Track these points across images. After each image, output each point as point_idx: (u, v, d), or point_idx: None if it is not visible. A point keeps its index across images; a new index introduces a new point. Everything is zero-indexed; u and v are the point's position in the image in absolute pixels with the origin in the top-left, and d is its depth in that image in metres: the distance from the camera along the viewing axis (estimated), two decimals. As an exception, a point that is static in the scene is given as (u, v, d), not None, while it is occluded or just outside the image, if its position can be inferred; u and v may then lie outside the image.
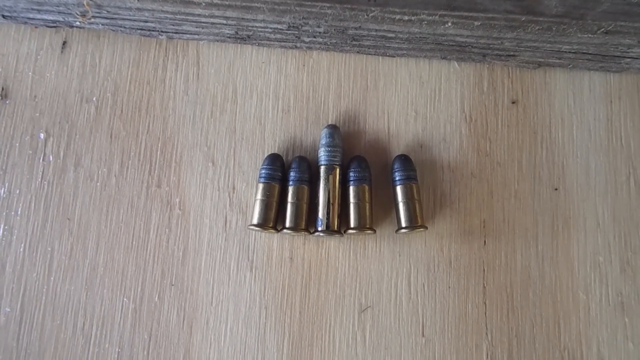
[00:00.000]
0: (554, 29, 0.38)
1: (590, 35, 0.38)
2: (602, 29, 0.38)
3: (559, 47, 0.40)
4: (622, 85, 0.44)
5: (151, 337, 0.41)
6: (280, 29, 0.41)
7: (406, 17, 0.38)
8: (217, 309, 0.41)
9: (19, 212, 0.42)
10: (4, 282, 0.41)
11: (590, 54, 0.41)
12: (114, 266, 0.42)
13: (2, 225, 0.42)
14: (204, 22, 0.41)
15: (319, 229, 0.40)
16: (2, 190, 0.43)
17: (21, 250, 0.42)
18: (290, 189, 0.41)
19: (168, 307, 0.41)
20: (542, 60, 0.42)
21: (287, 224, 0.41)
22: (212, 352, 0.40)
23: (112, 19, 0.41)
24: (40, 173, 0.43)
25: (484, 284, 0.42)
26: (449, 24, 0.38)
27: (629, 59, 0.41)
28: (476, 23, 0.38)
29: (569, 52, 0.41)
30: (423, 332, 0.41)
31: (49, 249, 0.42)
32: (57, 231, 0.42)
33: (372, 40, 0.41)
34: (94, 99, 0.44)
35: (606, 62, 0.42)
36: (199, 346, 0.41)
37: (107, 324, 0.41)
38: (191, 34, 0.43)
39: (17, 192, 0.43)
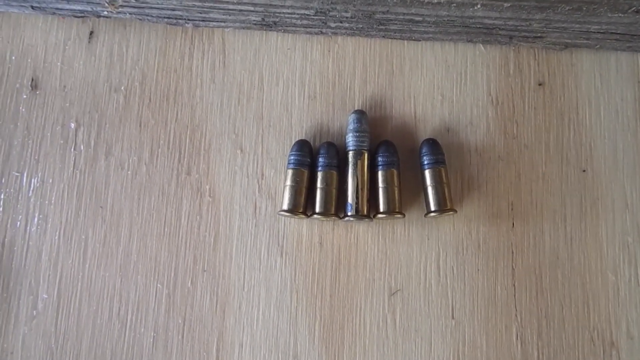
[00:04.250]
0: (584, 8, 0.38)
1: (620, 15, 0.38)
2: (634, 8, 0.37)
3: (587, 27, 0.40)
4: (650, 65, 0.44)
5: (185, 322, 0.41)
6: (307, 15, 0.41)
7: (435, 0, 0.38)
8: (249, 293, 0.42)
9: (52, 201, 0.43)
10: (41, 269, 0.42)
11: (618, 33, 0.41)
12: (147, 253, 0.42)
13: (37, 214, 0.43)
14: (231, 10, 0.41)
15: (349, 213, 0.41)
16: (36, 180, 0.43)
17: (56, 238, 0.43)
18: (319, 175, 0.41)
19: (201, 292, 0.42)
20: (569, 41, 0.42)
21: (317, 209, 0.41)
22: (245, 335, 0.41)
23: (139, 7, 0.41)
24: (72, 162, 0.44)
25: (512, 266, 0.42)
26: (478, 6, 0.38)
27: (658, 38, 0.41)
28: (506, 4, 0.38)
29: (597, 32, 0.41)
30: (453, 315, 0.41)
31: (83, 236, 0.43)
32: (90, 219, 0.43)
33: (399, 24, 0.41)
34: (122, 88, 0.45)
35: (634, 42, 0.42)
36: (232, 330, 0.41)
37: (142, 309, 0.42)
38: (218, 21, 0.43)
39: (50, 181, 0.43)
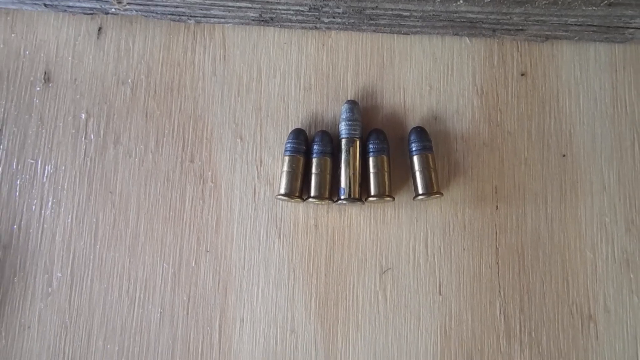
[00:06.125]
0: (559, 2, 0.40)
1: (594, 8, 0.41)
2: (605, 1, 0.40)
3: (565, 20, 0.43)
4: (626, 55, 0.46)
5: (190, 299, 0.44)
6: (302, 11, 0.44)
7: (420, -4, 0.40)
8: (249, 272, 0.45)
9: (65, 187, 0.46)
10: (55, 250, 0.45)
11: (595, 25, 0.43)
12: (153, 235, 0.45)
13: (50, 199, 0.46)
14: (230, 6, 0.43)
15: (342, 197, 0.43)
16: (49, 167, 0.46)
17: (69, 221, 0.46)
18: (314, 161, 0.44)
19: (204, 272, 0.45)
20: (550, 33, 0.45)
21: (312, 194, 0.44)
22: (245, 311, 0.44)
23: (145, 5, 0.44)
24: (83, 150, 0.47)
25: (496, 246, 0.45)
26: (461, 1, 0.41)
27: (632, 30, 0.43)
28: (486, -1, 0.40)
29: (575, 24, 0.43)
30: (440, 291, 0.44)
31: (94, 219, 0.46)
32: (100, 203, 0.46)
33: (388, 19, 0.44)
34: (129, 81, 0.48)
35: (611, 33, 0.44)
36: (233, 306, 0.44)
37: (150, 287, 0.45)
38: (218, 17, 0.46)
39: (63, 168, 0.46)
